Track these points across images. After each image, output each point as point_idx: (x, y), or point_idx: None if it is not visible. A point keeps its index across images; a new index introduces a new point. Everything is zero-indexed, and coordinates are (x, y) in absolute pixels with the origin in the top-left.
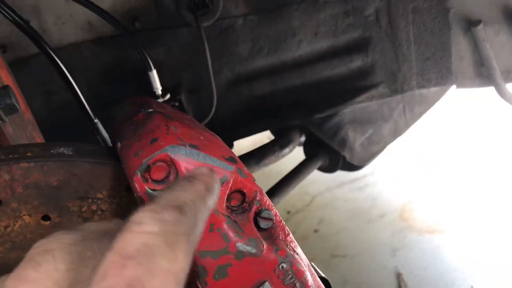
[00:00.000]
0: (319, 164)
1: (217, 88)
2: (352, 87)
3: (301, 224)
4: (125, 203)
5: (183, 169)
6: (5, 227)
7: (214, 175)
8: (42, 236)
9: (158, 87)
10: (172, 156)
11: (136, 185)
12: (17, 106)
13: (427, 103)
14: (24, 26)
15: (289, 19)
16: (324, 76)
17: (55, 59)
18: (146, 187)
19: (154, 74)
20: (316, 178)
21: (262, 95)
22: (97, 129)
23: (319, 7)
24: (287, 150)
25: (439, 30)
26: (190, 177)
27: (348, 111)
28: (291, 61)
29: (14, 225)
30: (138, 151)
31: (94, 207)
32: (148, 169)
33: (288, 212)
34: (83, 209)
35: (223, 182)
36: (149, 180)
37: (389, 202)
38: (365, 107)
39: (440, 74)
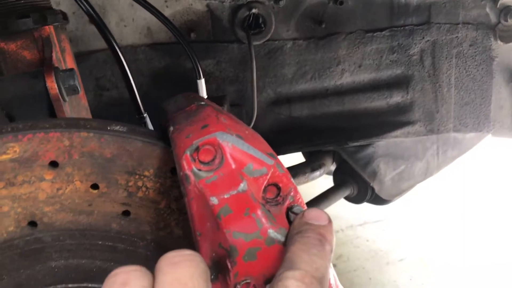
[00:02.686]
0: (347, 192)
1: (258, 105)
2: (389, 121)
3: None
4: (169, 184)
5: (228, 155)
6: (58, 189)
7: (332, 227)
8: (89, 203)
9: (204, 96)
10: (220, 141)
11: (184, 163)
12: (79, 88)
13: (461, 148)
14: (98, 21)
15: (336, 48)
16: (363, 107)
17: (119, 56)
18: (193, 166)
19: (202, 83)
20: (340, 214)
21: (300, 117)
22: (145, 123)
23: (366, 40)
24: (317, 173)
25: (481, 77)
26: (320, 236)
27: (382, 144)
28: (332, 89)
29: (66, 188)
30: (189, 134)
31: (139, 183)
32: (197, 150)
33: None
34: (130, 184)
35: (262, 174)
36: (197, 160)
37: (411, 246)
38: (400, 143)
39: (478, 121)
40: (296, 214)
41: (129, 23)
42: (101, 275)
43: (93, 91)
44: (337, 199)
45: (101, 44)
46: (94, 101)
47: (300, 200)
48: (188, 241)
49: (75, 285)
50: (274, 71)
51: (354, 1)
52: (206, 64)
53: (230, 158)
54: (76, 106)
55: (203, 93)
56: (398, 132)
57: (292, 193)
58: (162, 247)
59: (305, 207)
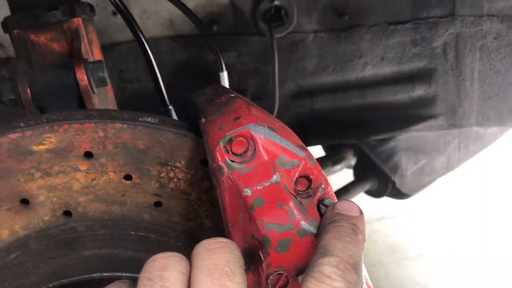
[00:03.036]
0: (367, 187)
1: (280, 98)
2: (411, 115)
3: None
4: (200, 175)
5: (261, 147)
6: (92, 179)
7: (364, 218)
8: (122, 193)
9: None
10: (253, 133)
11: (218, 155)
12: (107, 80)
13: (483, 143)
14: (125, 13)
15: (358, 41)
16: (385, 101)
17: (145, 47)
18: (226, 158)
19: (224, 75)
20: None
21: (321, 110)
22: (170, 115)
23: (389, 33)
24: (338, 167)
25: (506, 70)
26: (353, 226)
27: (404, 138)
28: (354, 82)
29: (100, 179)
30: (222, 125)
31: (171, 174)
32: (230, 141)
33: None
34: (162, 175)
35: (294, 166)
36: (230, 152)
37: (429, 241)
38: (421, 137)
39: (501, 115)
40: (327, 206)
41: (152, 15)
42: (134, 265)
43: (116, 84)
44: (357, 193)
45: (124, 36)
46: (116, 94)
47: (330, 192)
48: (218, 233)
49: (110, 274)
50: (295, 64)
51: None
52: (228, 56)
53: (262, 150)
54: (104, 98)
55: (226, 85)
56: (420, 126)
57: (323, 185)
58: (192, 238)
59: (336, 199)
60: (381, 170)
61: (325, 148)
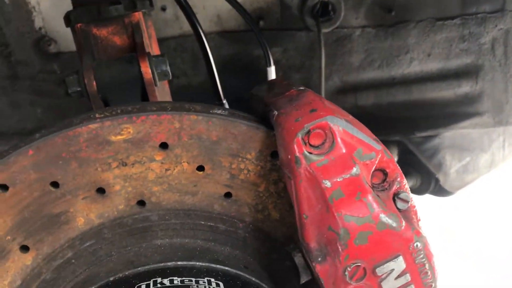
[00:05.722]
0: (410, 184)
1: (325, 93)
2: (456, 112)
3: None
4: (269, 167)
5: (339, 139)
6: (166, 170)
7: None
8: (195, 184)
9: None
10: (331, 125)
11: (295, 146)
12: (170, 73)
13: None
14: (185, 6)
15: (406, 37)
16: (430, 97)
17: (203, 41)
18: (304, 150)
19: (272, 70)
20: None
21: (366, 106)
22: None
23: (436, 29)
24: None
25: None
26: None
27: (449, 135)
28: (400, 78)
29: (174, 169)
30: (298, 117)
31: (242, 166)
32: (308, 133)
33: None
34: (233, 166)
35: (371, 158)
36: (307, 143)
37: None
38: (466, 134)
39: None
40: (402, 200)
41: (200, 10)
42: (205, 255)
43: None
44: None
45: (171, 32)
46: None
47: (406, 186)
48: (284, 224)
49: (184, 262)
50: (341, 59)
51: None
52: (273, 52)
53: (341, 142)
54: (162, 91)
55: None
56: (466, 123)
57: (398, 179)
58: (260, 229)
59: (410, 193)
60: (425, 167)
61: None
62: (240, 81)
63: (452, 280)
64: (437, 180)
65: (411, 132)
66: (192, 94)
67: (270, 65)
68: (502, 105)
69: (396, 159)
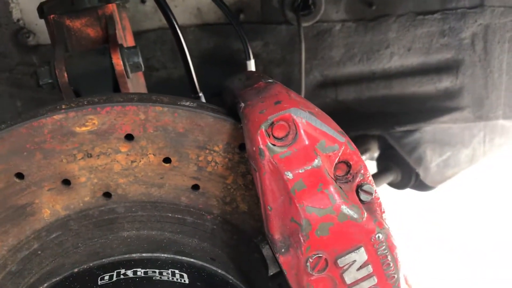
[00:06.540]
0: (390, 178)
1: (305, 88)
2: (437, 107)
3: None
4: (237, 160)
5: (302, 131)
6: (132, 161)
7: None
8: (161, 176)
9: None
10: (294, 117)
11: (259, 138)
12: (142, 65)
13: (508, 136)
14: (161, 2)
15: (386, 31)
16: (410, 92)
17: (178, 35)
18: (268, 141)
19: (251, 64)
20: None
21: (346, 101)
22: None
23: (417, 23)
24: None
25: None
26: None
27: (429, 129)
28: (380, 72)
29: (140, 161)
30: (263, 109)
31: (209, 158)
32: (271, 125)
33: None
34: (200, 158)
35: (334, 151)
36: (271, 135)
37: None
38: (446, 129)
39: None
40: (366, 192)
41: (180, 3)
42: (171, 247)
43: (142, 72)
44: (380, 184)
45: (151, 24)
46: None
47: (369, 178)
48: (253, 217)
49: (149, 254)
50: (322, 54)
51: None
52: (254, 45)
53: (303, 134)
54: (136, 84)
55: None
56: (446, 118)
57: (362, 171)
58: (228, 221)
59: (374, 186)
60: (405, 161)
61: None
62: (220, 74)
63: (439, 273)
64: (417, 175)
65: (392, 127)
66: (172, 87)
67: (249, 59)
68: (482, 100)
69: (376, 153)
